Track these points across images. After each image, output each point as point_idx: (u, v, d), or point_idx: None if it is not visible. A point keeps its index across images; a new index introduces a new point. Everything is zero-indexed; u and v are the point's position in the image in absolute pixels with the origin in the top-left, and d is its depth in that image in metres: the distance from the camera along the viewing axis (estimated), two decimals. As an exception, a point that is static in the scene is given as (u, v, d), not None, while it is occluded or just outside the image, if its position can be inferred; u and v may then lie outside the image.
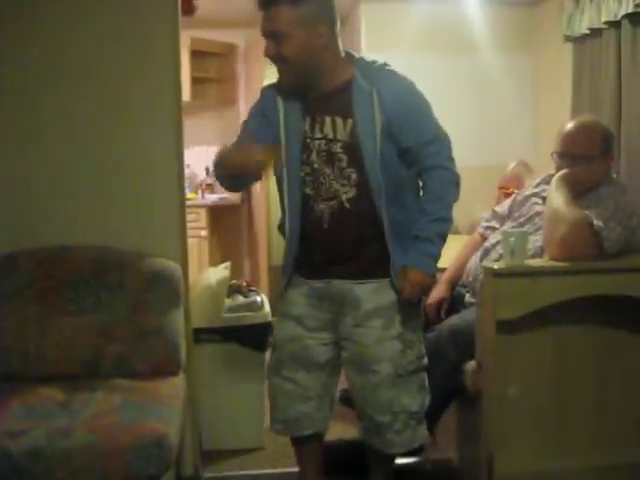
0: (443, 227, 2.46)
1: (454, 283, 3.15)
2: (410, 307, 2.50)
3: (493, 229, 3.18)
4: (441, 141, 2.49)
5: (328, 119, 2.41)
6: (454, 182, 2.52)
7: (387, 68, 2.51)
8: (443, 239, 2.46)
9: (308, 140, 2.43)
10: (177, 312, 2.77)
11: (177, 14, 2.92)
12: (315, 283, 2.51)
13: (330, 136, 2.41)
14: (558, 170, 2.87)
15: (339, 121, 2.40)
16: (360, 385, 2.53)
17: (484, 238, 3.18)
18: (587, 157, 2.82)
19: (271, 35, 2.36)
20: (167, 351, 2.71)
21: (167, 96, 2.92)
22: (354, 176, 2.40)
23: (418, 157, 2.44)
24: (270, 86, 2.54)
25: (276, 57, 2.37)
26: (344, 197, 2.41)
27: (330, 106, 2.42)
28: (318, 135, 2.42)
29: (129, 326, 2.70)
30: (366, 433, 2.59)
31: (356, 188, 2.40)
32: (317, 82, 2.43)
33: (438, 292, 3.10)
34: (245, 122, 2.59)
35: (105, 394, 2.46)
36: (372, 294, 2.46)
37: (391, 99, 2.39)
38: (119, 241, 2.87)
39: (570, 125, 2.92)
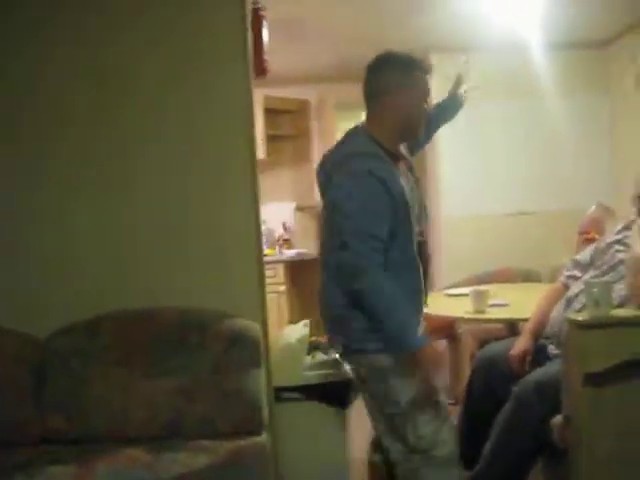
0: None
1: (537, 334, 3.08)
2: None
3: (575, 278, 3.11)
4: None
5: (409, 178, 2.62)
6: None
7: None
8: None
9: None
10: (258, 372, 2.78)
11: (250, 76, 3.00)
12: None
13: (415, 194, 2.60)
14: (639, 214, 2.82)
15: (411, 179, 2.63)
16: None
17: (566, 287, 3.11)
18: None
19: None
20: (249, 411, 2.71)
21: (242, 154, 2.99)
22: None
23: None
24: None
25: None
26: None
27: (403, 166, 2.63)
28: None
29: (211, 387, 2.72)
30: None
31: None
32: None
33: (521, 343, 3.04)
34: None
35: (189, 455, 2.48)
36: None
37: None
38: (200, 302, 2.91)
39: None
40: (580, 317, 2.54)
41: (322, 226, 2.61)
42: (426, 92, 2.54)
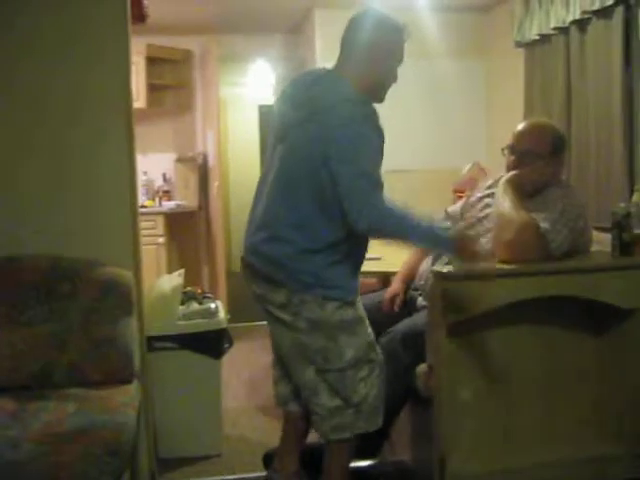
0: None
1: (407, 280, 3.20)
2: None
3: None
4: None
5: None
6: None
7: None
8: None
9: None
10: (130, 320, 2.77)
11: (127, 21, 2.92)
12: None
13: None
14: (508, 167, 2.92)
15: None
16: None
17: None
18: (535, 154, 2.85)
19: None
20: (120, 359, 2.70)
21: (118, 103, 2.91)
22: None
23: None
24: None
25: None
26: None
27: None
28: None
29: (81, 335, 2.69)
30: None
31: None
32: None
33: (392, 287, 3.20)
34: None
35: (57, 404, 2.45)
36: None
37: None
38: (71, 250, 2.85)
39: (524, 123, 2.98)
40: (444, 269, 2.64)
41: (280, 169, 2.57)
42: (402, 59, 2.65)
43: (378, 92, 2.63)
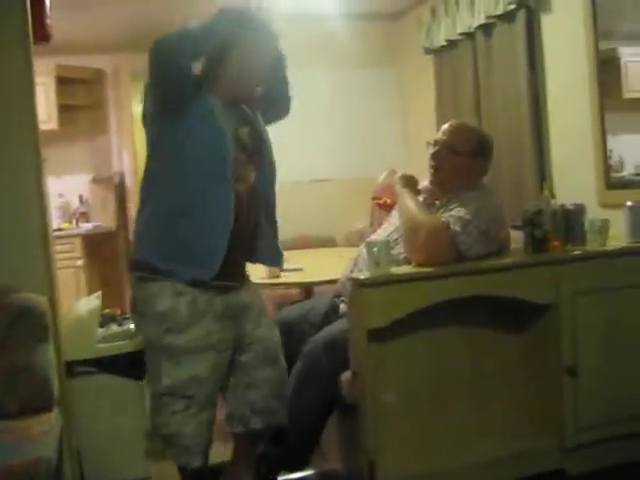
0: None
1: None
2: None
3: None
4: None
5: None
6: None
7: None
8: None
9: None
10: (46, 346, 2.69)
11: (28, 41, 2.86)
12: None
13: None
14: (429, 159, 2.97)
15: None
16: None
17: None
18: (454, 149, 2.90)
19: None
20: (37, 387, 2.62)
21: (22, 125, 2.84)
22: (252, 166, 2.57)
23: None
24: None
25: None
26: (249, 182, 2.54)
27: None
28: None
29: (-5, 365, 2.61)
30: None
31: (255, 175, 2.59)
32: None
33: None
34: None
35: (-28, 438, 2.37)
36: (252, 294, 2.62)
37: None
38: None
39: (453, 120, 3.05)
40: (361, 276, 2.66)
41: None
42: (255, 52, 2.45)
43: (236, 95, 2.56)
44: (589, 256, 2.93)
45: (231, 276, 2.46)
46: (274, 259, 2.71)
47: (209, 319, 2.40)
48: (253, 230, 2.53)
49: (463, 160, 2.90)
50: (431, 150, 2.95)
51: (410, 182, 2.99)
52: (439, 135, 2.97)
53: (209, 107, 2.38)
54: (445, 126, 3.00)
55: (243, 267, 2.59)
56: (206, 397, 2.44)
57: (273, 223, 2.63)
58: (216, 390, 2.49)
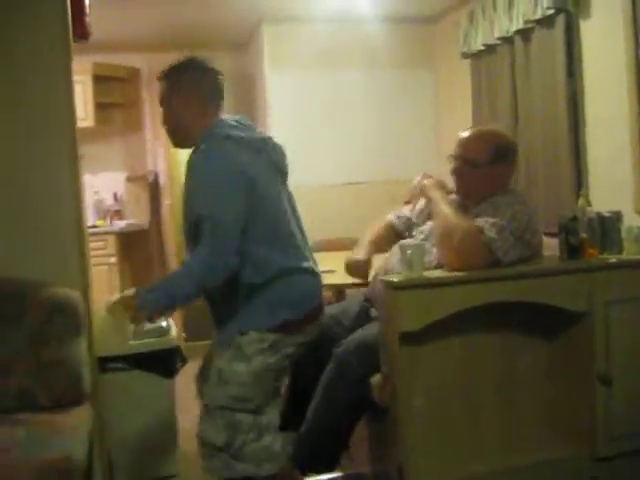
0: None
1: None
2: (240, 351, 2.56)
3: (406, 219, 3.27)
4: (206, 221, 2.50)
5: None
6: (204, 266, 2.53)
7: (206, 137, 2.61)
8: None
9: None
10: (79, 342, 2.72)
11: (68, 39, 2.89)
12: None
13: None
14: (451, 174, 2.95)
15: None
16: None
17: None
18: (473, 162, 2.88)
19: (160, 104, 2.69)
20: (70, 382, 2.65)
21: (61, 122, 2.88)
22: None
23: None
24: None
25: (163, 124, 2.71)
26: None
27: None
28: None
29: (29, 358, 2.63)
30: None
31: None
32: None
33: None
34: None
35: (6, 429, 2.39)
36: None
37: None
38: (17, 272, 2.80)
39: (465, 131, 3.00)
40: (395, 278, 2.65)
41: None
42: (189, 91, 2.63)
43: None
44: (625, 264, 2.89)
45: None
46: None
47: None
48: None
49: (484, 170, 2.87)
50: (451, 165, 2.94)
51: (442, 187, 2.98)
52: (455, 149, 2.95)
53: None
54: (460, 139, 2.96)
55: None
56: None
57: None
58: None
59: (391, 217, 3.32)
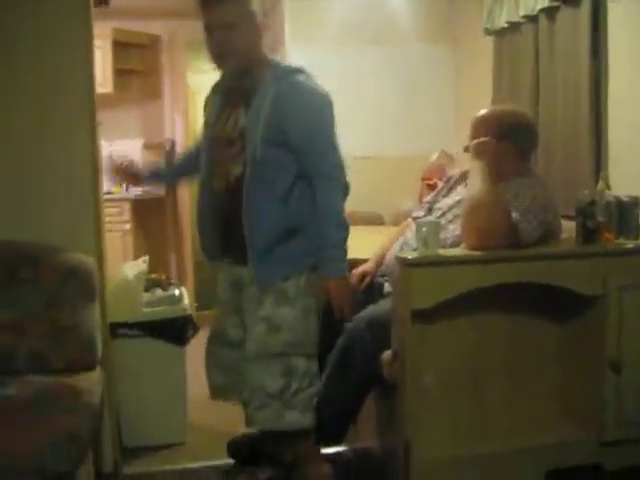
0: (345, 234, 2.64)
1: (379, 263, 3.19)
2: (284, 295, 2.61)
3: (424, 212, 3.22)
4: (328, 151, 2.59)
5: (235, 111, 2.63)
6: (340, 193, 2.65)
7: (295, 71, 2.63)
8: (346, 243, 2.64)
9: (219, 130, 2.68)
10: (92, 307, 2.73)
11: (89, 3, 2.88)
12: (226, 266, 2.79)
13: (230, 125, 2.64)
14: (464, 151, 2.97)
15: (242, 111, 2.60)
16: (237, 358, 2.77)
17: None
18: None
19: (220, 27, 2.51)
20: (82, 346, 2.67)
21: (80, 87, 2.88)
22: (242, 158, 2.59)
23: (304, 161, 2.57)
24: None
25: (222, 46, 2.55)
26: (232, 175, 2.62)
27: (241, 99, 2.61)
28: (227, 126, 2.66)
29: (43, 322, 2.65)
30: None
31: (241, 169, 2.59)
32: (244, 74, 2.62)
33: (365, 266, 3.21)
34: None
35: (18, 390, 2.41)
36: (252, 279, 2.65)
37: (285, 95, 2.53)
38: (32, 236, 2.81)
39: (473, 117, 2.99)
40: (409, 255, 2.64)
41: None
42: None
43: None
44: (640, 250, 2.87)
45: None
46: None
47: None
48: None
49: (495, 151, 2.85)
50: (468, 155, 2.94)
51: (487, 152, 2.85)
52: (470, 135, 2.95)
53: None
54: (471, 123, 2.98)
55: None
56: None
57: None
58: None
59: (409, 220, 3.29)
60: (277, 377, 2.61)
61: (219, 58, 2.60)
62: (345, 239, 2.63)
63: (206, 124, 2.81)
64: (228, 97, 2.71)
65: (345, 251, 2.65)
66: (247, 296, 2.69)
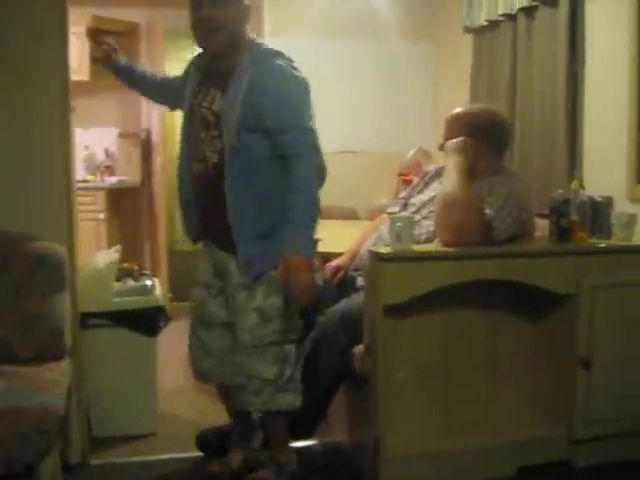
0: (313, 213, 2.55)
1: (354, 258, 3.20)
2: (275, 284, 2.57)
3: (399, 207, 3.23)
4: (301, 131, 2.53)
5: (212, 91, 2.61)
6: (313, 173, 2.56)
7: (273, 53, 2.63)
8: (315, 225, 2.56)
9: (195, 108, 2.64)
10: (62, 296, 2.69)
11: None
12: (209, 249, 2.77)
13: (206, 105, 2.60)
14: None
15: (218, 94, 2.57)
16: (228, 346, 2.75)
17: None
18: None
19: (213, 1, 2.53)
20: (51, 336, 2.63)
21: (53, 74, 2.83)
22: (218, 144, 2.56)
23: (278, 142, 2.53)
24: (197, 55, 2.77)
25: (212, 21, 2.53)
26: (210, 162, 2.59)
27: (219, 80, 2.59)
28: (204, 104, 2.62)
29: (11, 310, 2.61)
30: (231, 397, 2.79)
31: (218, 156, 2.56)
32: (224, 55, 2.60)
33: (339, 260, 3.22)
34: None
35: (-17, 380, 2.38)
36: (238, 268, 2.60)
37: (261, 78, 2.52)
38: (4, 224, 2.76)
39: (449, 113, 3.01)
40: (382, 250, 2.63)
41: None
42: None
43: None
44: (613, 250, 2.89)
45: None
46: None
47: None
48: None
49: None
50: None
51: (464, 150, 2.86)
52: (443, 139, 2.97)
53: None
54: (444, 124, 3.01)
55: None
56: None
57: None
58: None
59: (384, 216, 3.28)
60: (271, 364, 2.61)
61: (206, 34, 2.56)
62: (314, 219, 2.53)
63: (184, 98, 2.74)
64: (205, 77, 2.68)
65: (312, 231, 2.54)
66: (233, 284, 2.65)
